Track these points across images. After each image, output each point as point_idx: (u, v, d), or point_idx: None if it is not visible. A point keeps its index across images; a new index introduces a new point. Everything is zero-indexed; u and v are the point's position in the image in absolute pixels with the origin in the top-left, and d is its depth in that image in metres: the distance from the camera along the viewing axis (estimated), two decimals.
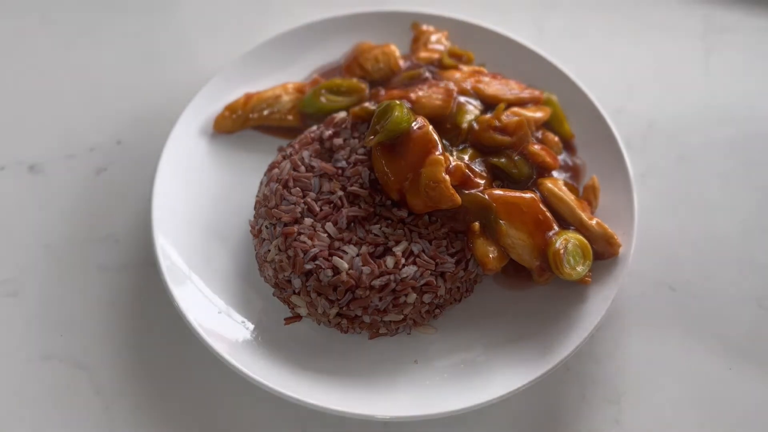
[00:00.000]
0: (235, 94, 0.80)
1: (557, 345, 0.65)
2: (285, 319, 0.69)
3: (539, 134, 0.75)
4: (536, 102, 0.76)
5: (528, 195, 0.68)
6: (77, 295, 0.73)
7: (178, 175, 0.75)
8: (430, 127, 0.67)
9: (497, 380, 0.64)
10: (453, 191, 0.65)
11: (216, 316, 0.67)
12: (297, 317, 0.69)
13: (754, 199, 0.81)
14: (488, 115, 0.71)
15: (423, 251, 0.66)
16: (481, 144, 0.70)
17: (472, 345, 0.68)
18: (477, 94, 0.74)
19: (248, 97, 0.79)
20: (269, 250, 0.68)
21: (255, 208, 0.72)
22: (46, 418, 0.67)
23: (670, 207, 0.80)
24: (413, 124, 0.67)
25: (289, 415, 0.66)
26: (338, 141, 0.70)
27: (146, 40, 0.92)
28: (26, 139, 0.84)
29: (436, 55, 0.79)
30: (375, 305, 0.65)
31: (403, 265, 0.65)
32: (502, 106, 0.72)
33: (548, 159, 0.71)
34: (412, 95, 0.71)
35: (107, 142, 0.83)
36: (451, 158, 0.67)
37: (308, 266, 0.65)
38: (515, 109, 0.73)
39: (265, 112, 0.79)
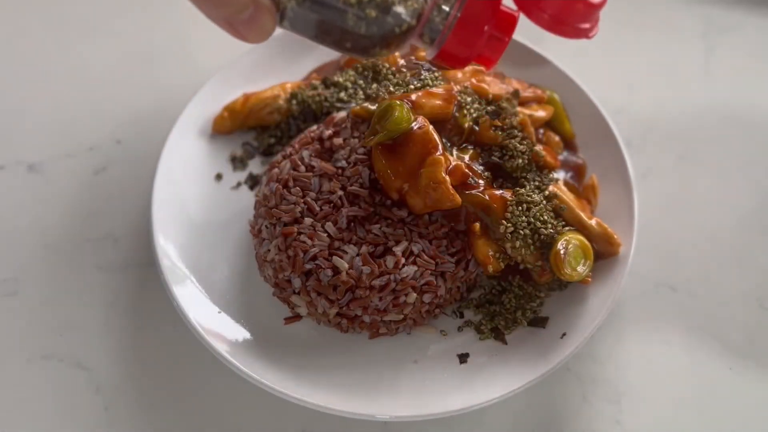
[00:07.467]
0: (233, 95, 0.80)
1: (557, 345, 0.65)
2: (285, 319, 0.69)
3: (540, 133, 0.75)
4: (539, 101, 0.76)
5: None
6: (77, 295, 0.73)
7: (178, 174, 0.75)
8: (431, 127, 0.67)
9: (497, 380, 0.63)
10: (453, 191, 0.65)
11: (216, 316, 0.67)
12: (297, 317, 0.69)
13: (754, 199, 0.81)
14: None
15: (423, 251, 0.66)
16: (483, 144, 0.70)
17: (472, 345, 0.68)
18: (478, 94, 0.73)
19: (247, 98, 0.79)
20: (269, 250, 0.68)
21: (255, 207, 0.72)
22: (46, 418, 0.67)
23: (670, 207, 0.80)
24: (413, 124, 0.66)
25: (289, 415, 0.66)
26: (338, 141, 0.70)
27: (145, 39, 0.92)
28: (26, 138, 0.84)
29: None
30: (375, 305, 0.65)
31: (403, 265, 0.65)
32: None
33: (549, 159, 0.71)
34: (413, 95, 0.71)
35: (106, 141, 0.83)
36: (451, 158, 0.67)
37: (308, 266, 0.65)
38: (518, 108, 0.73)
39: (264, 113, 0.79)
